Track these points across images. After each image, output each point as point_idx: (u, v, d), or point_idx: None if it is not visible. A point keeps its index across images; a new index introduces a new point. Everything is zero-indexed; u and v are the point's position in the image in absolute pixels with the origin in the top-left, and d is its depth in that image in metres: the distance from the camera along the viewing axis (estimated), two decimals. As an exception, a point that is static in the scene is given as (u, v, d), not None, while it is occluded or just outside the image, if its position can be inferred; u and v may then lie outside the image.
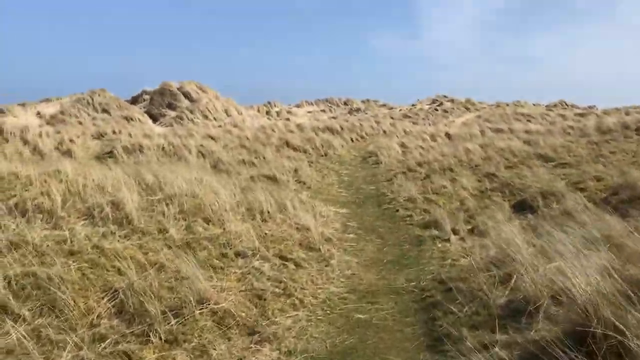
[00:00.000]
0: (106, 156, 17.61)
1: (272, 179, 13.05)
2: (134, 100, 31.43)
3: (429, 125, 29.02)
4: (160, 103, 29.16)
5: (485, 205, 10.88)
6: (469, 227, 9.40)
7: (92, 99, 27.72)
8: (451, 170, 14.67)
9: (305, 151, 19.13)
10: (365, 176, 15.94)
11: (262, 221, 7.81)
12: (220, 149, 18.23)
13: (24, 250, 5.70)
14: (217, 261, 6.13)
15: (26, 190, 7.05)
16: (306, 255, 6.89)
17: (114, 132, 21.34)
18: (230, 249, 6.49)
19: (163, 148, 18.18)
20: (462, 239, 8.52)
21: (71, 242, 5.98)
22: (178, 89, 29.89)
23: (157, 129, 25.82)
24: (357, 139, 23.32)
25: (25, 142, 18.13)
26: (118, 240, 6.23)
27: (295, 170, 14.86)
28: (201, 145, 18.56)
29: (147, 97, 30.68)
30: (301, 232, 7.72)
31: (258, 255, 6.37)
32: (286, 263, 6.41)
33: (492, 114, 33.25)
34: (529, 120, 29.61)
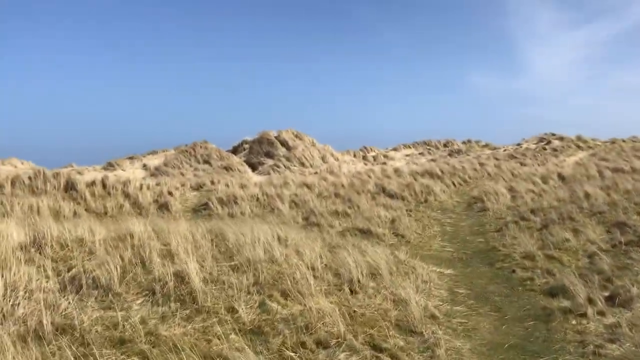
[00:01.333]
0: (202, 208, 17.07)
1: (366, 232, 11.70)
2: (235, 150, 31.49)
3: (538, 165, 26.55)
4: (258, 152, 28.90)
5: (622, 265, 8.89)
6: (606, 293, 7.54)
7: (194, 150, 27.93)
8: (572, 219, 12.62)
9: (403, 198, 17.65)
10: (471, 226, 14.19)
11: (351, 293, 6.45)
12: (314, 197, 17.16)
13: (70, 337, 4.72)
14: (293, 353, 4.82)
15: (88, 259, 6.17)
16: (405, 341, 5.43)
17: (212, 183, 20.97)
18: (310, 334, 5.17)
19: (257, 198, 17.40)
20: (602, 312, 6.69)
21: (123, 326, 4.94)
22: (275, 137, 29.57)
23: (255, 177, 25.40)
24: (459, 183, 21.50)
25: (127, 195, 18.03)
26: (178, 324, 5.12)
27: (392, 221, 13.42)
28: (295, 195, 17.62)
29: (246, 146, 30.61)
30: (399, 308, 6.27)
31: (344, 345, 5.00)
32: (379, 355, 4.99)
33: (607, 152, 30.11)
34: (652, 157, 26.38)
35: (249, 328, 5.17)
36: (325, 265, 7.45)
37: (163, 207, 16.92)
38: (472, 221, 14.81)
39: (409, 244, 11.46)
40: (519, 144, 35.95)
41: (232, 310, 5.42)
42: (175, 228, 8.67)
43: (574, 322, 6.44)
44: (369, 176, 21.94)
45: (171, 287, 5.57)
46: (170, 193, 18.51)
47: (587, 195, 15.27)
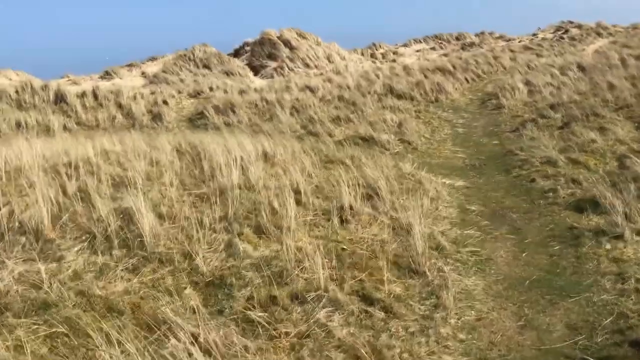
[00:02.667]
0: (197, 117, 15.81)
1: (369, 140, 10.42)
2: (236, 53, 29.60)
3: (556, 56, 24.51)
4: (260, 54, 27.05)
5: (660, 169, 7.60)
6: (645, 206, 6.32)
7: (193, 55, 26.20)
8: (596, 114, 11.16)
9: (412, 98, 16.16)
10: (485, 126, 12.82)
11: (341, 223, 5.29)
12: (316, 102, 15.75)
13: (-15, 299, 3.68)
14: (261, 312, 3.75)
15: (24, 194, 5.03)
16: (403, 286, 4.32)
17: (210, 89, 19.55)
18: (285, 284, 4.08)
19: (256, 105, 16.05)
20: (642, 231, 5.50)
21: (50, 284, 3.87)
22: (278, 37, 27.55)
23: (258, 81, 23.85)
24: (472, 79, 19.82)
25: (120, 106, 16.75)
26: (120, 277, 4.04)
27: (399, 125, 12.07)
28: (296, 100, 16.19)
29: (248, 48, 28.70)
30: (399, 238, 5.13)
31: (325, 299, 3.91)
32: (369, 310, 3.90)
33: (630, 38, 27.76)
34: (679, 42, 24.16)
35: (208, 279, 4.08)
36: (316, 187, 6.27)
37: (156, 117, 15.68)
38: (486, 120, 13.42)
39: (416, 152, 10.19)
40: (534, 34, 33.46)
41: (190, 256, 4.31)
42: (148, 144, 7.50)
43: (608, 246, 5.26)
44: (377, 75, 20.27)
45: (114, 228, 4.44)
46: (165, 102, 17.16)
47: (610, 87, 13.71)
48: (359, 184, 6.13)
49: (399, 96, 16.25)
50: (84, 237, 4.46)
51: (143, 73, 26.30)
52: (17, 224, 4.45)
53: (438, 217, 6.05)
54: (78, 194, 5.06)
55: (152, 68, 26.74)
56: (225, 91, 18.92)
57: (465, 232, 5.80)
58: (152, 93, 18.46)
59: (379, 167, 7.37)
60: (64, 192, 5.06)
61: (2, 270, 3.97)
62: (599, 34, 30.74)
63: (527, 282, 4.74)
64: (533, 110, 13.17)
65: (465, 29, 35.36)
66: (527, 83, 16.61)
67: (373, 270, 4.41)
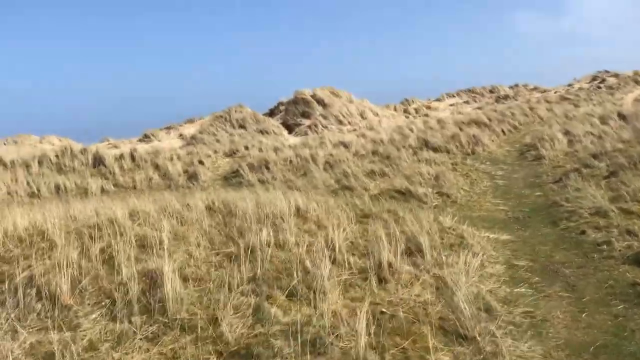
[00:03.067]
0: (232, 175, 15.72)
1: (406, 193, 10.01)
2: (271, 113, 29.94)
3: (594, 105, 23.91)
4: (294, 112, 27.25)
5: None
6: None
7: (229, 115, 26.57)
8: (644, 162, 10.56)
9: (447, 151, 15.78)
10: (525, 177, 12.28)
11: (379, 282, 4.85)
12: (350, 157, 15.52)
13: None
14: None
15: (47, 257, 4.78)
16: (452, 355, 3.81)
17: (246, 148, 19.61)
18: (318, 354, 3.63)
19: (290, 161, 15.90)
20: None
21: (62, 357, 3.53)
22: (311, 96, 27.78)
23: (292, 139, 23.89)
24: (509, 131, 19.35)
25: (157, 167, 16.85)
26: (139, 348, 3.67)
27: (436, 178, 11.65)
28: (330, 155, 16.00)
29: (282, 108, 28.99)
30: (443, 299, 4.64)
31: (364, 371, 3.46)
32: (415, 384, 3.43)
33: (670, 85, 27.05)
34: None
35: (233, 349, 3.67)
36: (351, 243, 5.87)
37: (192, 177, 15.65)
38: (526, 172, 12.88)
39: (455, 205, 9.71)
40: (570, 85, 32.95)
41: (215, 321, 3.93)
42: (181, 203, 7.25)
43: (680, 305, 4.67)
44: (410, 130, 20.03)
45: (136, 292, 4.11)
46: (201, 162, 17.21)
47: (657, 133, 13.08)
48: (397, 239, 5.70)
49: (434, 149, 15.89)
50: (103, 303, 4.13)
51: (181, 135, 26.74)
52: (34, 289, 4.16)
53: (484, 275, 5.54)
54: (101, 256, 4.78)
55: (189, 129, 27.19)
56: (260, 149, 18.93)
57: (516, 290, 5.26)
58: (189, 153, 18.59)
59: (418, 221, 6.93)
60: (88, 255, 4.79)
61: (13, 342, 3.65)
62: (637, 82, 30.05)
63: (592, 347, 4.16)
64: (575, 160, 12.61)
65: (498, 82, 35.09)
66: (567, 133, 16.07)
67: (417, 336, 3.93)
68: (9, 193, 14.20)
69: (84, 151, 16.98)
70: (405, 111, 29.71)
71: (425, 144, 16.41)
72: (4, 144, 22.82)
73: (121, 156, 17.01)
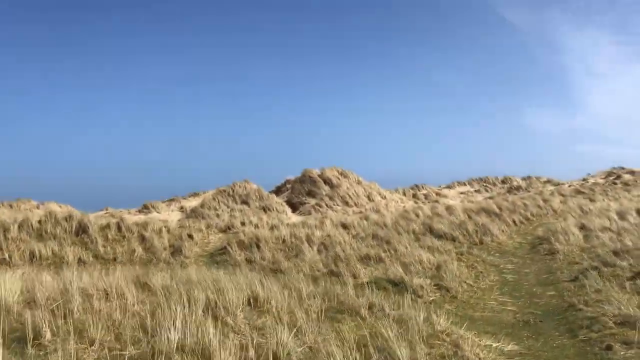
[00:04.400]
0: (220, 252, 14.43)
1: (399, 284, 8.59)
2: (278, 190, 29.01)
3: (610, 200, 22.54)
4: (300, 191, 26.26)
5: None
6: None
7: (233, 190, 25.60)
8: (675, 264, 9.12)
9: (454, 239, 14.41)
10: (537, 273, 10.83)
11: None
12: (349, 239, 14.21)
13: None
14: None
15: None
16: None
17: (242, 224, 18.41)
18: None
19: (283, 241, 14.61)
20: None
21: None
22: (319, 175, 26.89)
23: (294, 217, 22.71)
24: (520, 222, 17.96)
25: (143, 239, 15.63)
26: None
27: (437, 268, 10.25)
28: (328, 236, 14.71)
29: (289, 186, 28.06)
30: None
31: None
32: None
33: (689, 185, 25.69)
34: None
35: None
36: (309, 349, 4.47)
37: (177, 252, 14.38)
38: (538, 267, 11.43)
39: (455, 301, 8.25)
40: (584, 179, 31.72)
41: None
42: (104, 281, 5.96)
43: None
44: (417, 215, 18.75)
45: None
46: (190, 236, 15.97)
47: (684, 234, 11.66)
48: (368, 348, 4.31)
49: (439, 236, 14.52)
50: None
51: (182, 207, 25.73)
52: None
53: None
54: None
55: (191, 203, 26.21)
56: (257, 226, 17.73)
57: None
58: (181, 227, 17.38)
59: (405, 322, 5.54)
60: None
61: None
62: (653, 180, 28.75)
63: None
64: (593, 257, 11.15)
65: (511, 174, 33.98)
66: (582, 227, 14.68)
67: None
68: (-24, 258, 12.99)
69: (68, 218, 15.86)
70: (415, 196, 28.56)
71: (430, 230, 15.08)
72: (0, 206, 21.92)
73: (107, 225, 15.85)
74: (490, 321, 7.18)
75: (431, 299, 8.16)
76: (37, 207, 23.70)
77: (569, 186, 28.64)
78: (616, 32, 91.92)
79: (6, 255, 13.33)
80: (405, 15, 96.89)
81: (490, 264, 11.73)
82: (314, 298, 6.37)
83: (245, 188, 25.78)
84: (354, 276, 9.29)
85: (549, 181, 32.06)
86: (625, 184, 28.15)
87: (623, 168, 32.27)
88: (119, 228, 15.96)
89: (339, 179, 26.99)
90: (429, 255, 11.44)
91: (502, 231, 15.82)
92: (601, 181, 29.69)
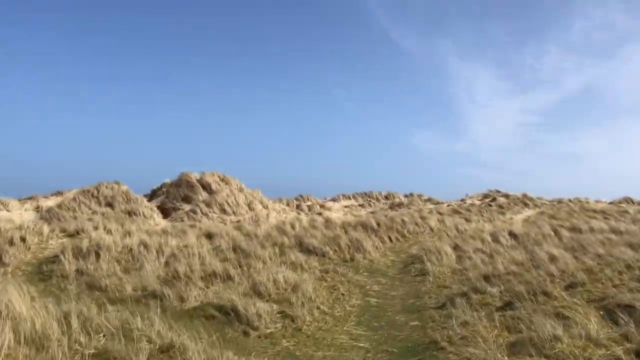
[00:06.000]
0: (50, 261, 11.88)
1: (231, 312, 6.78)
2: (153, 194, 26.29)
3: (485, 222, 22.32)
4: (175, 196, 23.82)
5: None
6: None
7: (98, 191, 22.64)
8: (546, 293, 8.08)
9: (323, 254, 12.91)
10: (404, 297, 9.52)
11: None
12: (207, 251, 12.24)
13: None
14: None
15: None
16: None
17: (95, 229, 15.85)
18: None
19: (130, 250, 12.35)
20: None
21: None
22: (197, 180, 24.61)
23: (164, 223, 20.32)
24: (397, 239, 16.89)
25: (-41, 241, 12.67)
26: None
27: (293, 289, 8.59)
28: (184, 247, 12.66)
29: (165, 189, 25.49)
30: None
31: None
32: None
33: (556, 211, 26.27)
34: (606, 218, 22.44)
35: None
36: None
37: (-6, 259, 11.67)
38: (406, 289, 10.15)
39: (298, 334, 6.58)
40: (462, 200, 31.91)
41: None
42: None
43: None
44: (292, 227, 17.14)
45: None
46: (23, 239, 13.25)
47: (552, 259, 10.89)
48: None
49: (309, 251, 12.95)
50: None
51: (38, 207, 22.32)
52: None
53: None
54: None
55: (49, 202, 22.88)
56: (109, 232, 15.21)
57: None
58: (18, 228, 14.50)
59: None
60: None
61: None
62: (525, 204, 29.40)
63: None
64: (464, 281, 10.08)
65: (395, 190, 33.56)
66: (456, 247, 13.75)
67: None
68: None
69: None
70: (298, 207, 27.08)
71: (300, 244, 13.48)
72: None
73: None
74: (333, 366, 5.56)
75: (268, 331, 6.42)
76: None
77: (448, 205, 28.52)
78: (496, 67, 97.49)
79: None
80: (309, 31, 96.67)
81: (355, 284, 10.29)
82: (83, 332, 4.39)
83: (113, 189, 22.94)
84: (181, 299, 7.34)
85: (429, 199, 31.95)
86: (500, 206, 28.48)
87: (499, 191, 32.92)
88: None
89: (219, 184, 24.88)
90: (288, 273, 9.77)
91: (377, 248, 14.58)
92: (478, 202, 29.92)
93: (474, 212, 25.97)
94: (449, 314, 7.75)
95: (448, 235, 17.24)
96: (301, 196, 28.77)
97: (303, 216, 24.17)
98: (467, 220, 23.26)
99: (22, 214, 21.15)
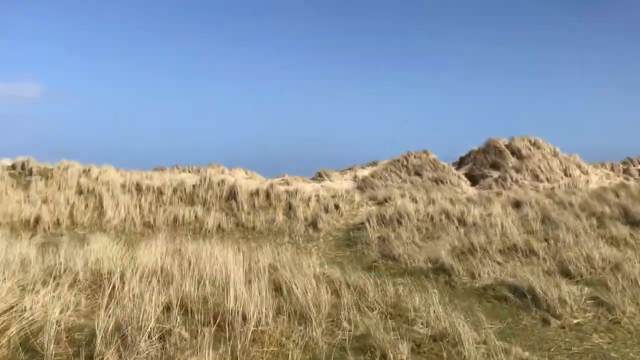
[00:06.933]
0: (357, 228, 12.58)
1: (527, 295, 5.71)
2: (462, 162, 25.86)
3: None
4: (482, 162, 22.88)
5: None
6: None
7: (407, 160, 23.36)
8: None
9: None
10: None
11: None
12: (511, 222, 11.15)
13: None
14: None
15: None
16: None
17: (401, 197, 16.27)
18: None
19: (432, 218, 12.18)
20: None
21: None
22: (506, 145, 23.15)
23: (471, 191, 19.72)
24: None
25: (290, 207, 14.51)
26: None
27: (615, 268, 7.00)
28: (488, 216, 11.88)
29: (472, 157, 24.77)
30: None
31: None
32: None
33: None
34: None
35: None
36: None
37: (313, 224, 12.91)
38: None
39: (615, 329, 5.14)
40: None
41: None
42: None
43: None
44: (616, 194, 14.50)
45: None
46: (337, 206, 14.39)
47: None
48: None
49: (636, 224, 10.60)
50: None
51: (355, 177, 24.32)
52: None
53: None
54: None
55: (365, 172, 24.67)
56: (415, 200, 15.37)
57: None
58: (333, 196, 15.88)
59: None
60: None
61: None
62: None
63: None
64: None
65: None
66: None
67: None
68: (125, 219, 13.11)
69: (220, 183, 15.47)
70: (626, 171, 23.01)
71: (625, 215, 11.18)
72: (188, 171, 22.91)
73: (256, 192, 15.06)
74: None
75: (575, 321, 5.21)
76: (222, 172, 24.41)
77: None
78: None
79: (151, 219, 13.29)
80: None
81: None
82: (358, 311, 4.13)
83: (421, 158, 23.34)
84: (472, 275, 6.61)
85: None
86: None
87: None
88: (267, 195, 15.08)
89: (529, 149, 22.90)
90: (607, 249, 8.08)
91: None
92: None
93: None
94: None
95: None
96: (629, 159, 24.35)
97: (632, 182, 20.39)
98: None
99: (342, 183, 23.32)
